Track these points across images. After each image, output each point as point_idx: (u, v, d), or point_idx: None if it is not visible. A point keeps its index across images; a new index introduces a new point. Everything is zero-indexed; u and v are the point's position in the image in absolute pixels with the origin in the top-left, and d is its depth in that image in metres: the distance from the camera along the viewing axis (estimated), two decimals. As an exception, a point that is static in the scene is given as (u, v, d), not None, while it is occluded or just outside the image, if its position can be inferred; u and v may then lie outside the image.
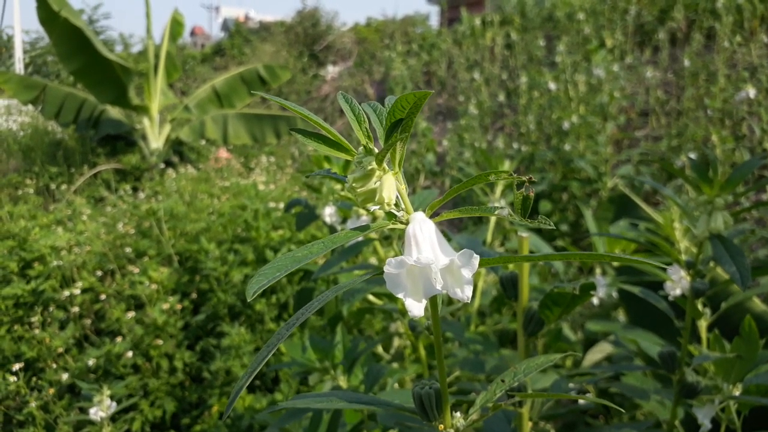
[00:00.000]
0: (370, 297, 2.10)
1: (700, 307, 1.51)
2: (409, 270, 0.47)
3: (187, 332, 3.66)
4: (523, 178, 0.48)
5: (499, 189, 2.55)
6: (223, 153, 8.40)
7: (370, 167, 0.47)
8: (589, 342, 2.25)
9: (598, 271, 1.88)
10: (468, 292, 0.47)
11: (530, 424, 0.82)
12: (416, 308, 0.47)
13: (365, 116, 0.50)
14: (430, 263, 0.46)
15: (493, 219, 2.61)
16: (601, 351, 2.10)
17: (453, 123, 8.24)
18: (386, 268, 0.46)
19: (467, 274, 0.46)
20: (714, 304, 1.59)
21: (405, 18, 13.91)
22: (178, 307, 3.53)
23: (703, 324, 1.47)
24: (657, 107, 5.72)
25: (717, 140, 3.60)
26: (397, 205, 0.49)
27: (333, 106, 11.41)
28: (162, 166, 7.54)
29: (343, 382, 1.16)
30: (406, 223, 0.50)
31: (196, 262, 3.95)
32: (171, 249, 3.97)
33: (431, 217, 0.55)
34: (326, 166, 1.91)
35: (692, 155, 3.54)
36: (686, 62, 5.42)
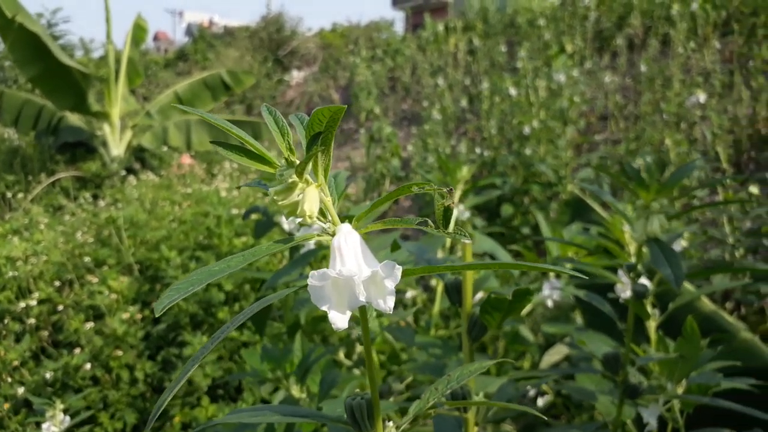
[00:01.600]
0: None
1: (649, 308, 1.54)
2: (333, 282, 0.47)
3: (148, 342, 3.61)
4: (443, 189, 0.49)
5: (457, 194, 2.58)
6: (186, 159, 8.31)
7: (291, 180, 0.47)
8: (549, 344, 2.29)
9: (552, 273, 1.91)
10: (390, 303, 0.47)
11: (476, 428, 0.83)
12: (340, 320, 0.47)
13: (288, 129, 0.50)
14: (353, 275, 0.46)
15: (452, 224, 2.64)
16: (558, 353, 2.13)
17: (417, 128, 8.29)
18: (309, 281, 0.46)
19: (390, 285, 0.47)
20: (664, 305, 1.63)
21: (370, 24, 13.95)
22: (138, 317, 3.48)
23: (652, 325, 1.51)
24: (616, 111, 5.84)
25: (671, 144, 3.69)
26: (325, 215, 0.50)
27: (298, 111, 11.37)
28: (123, 173, 7.42)
29: (296, 391, 1.16)
30: (333, 234, 0.50)
31: (157, 270, 3.90)
32: (131, 258, 3.91)
33: (377, 218, 0.55)
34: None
35: (648, 158, 3.62)
36: (643, 67, 5.55)
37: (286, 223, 1.82)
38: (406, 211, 7.88)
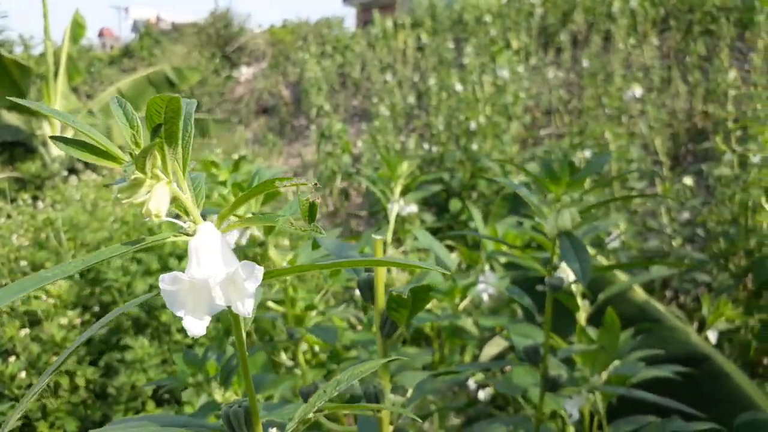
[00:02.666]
0: (270, 304, 2.07)
1: (579, 300, 1.56)
2: (190, 285, 0.45)
3: (90, 347, 3.50)
4: (307, 183, 0.47)
5: (397, 189, 2.57)
6: (131, 158, 8.10)
7: (134, 176, 0.44)
8: (493, 336, 2.30)
9: (486, 266, 1.92)
10: (249, 306, 0.45)
11: (391, 427, 0.82)
12: (196, 327, 0.45)
13: (138, 121, 0.47)
14: (207, 278, 0.43)
15: (392, 218, 2.62)
16: (498, 345, 2.14)
17: (368, 124, 8.28)
18: (161, 285, 0.43)
19: (250, 287, 0.44)
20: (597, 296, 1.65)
21: (321, 20, 13.85)
22: (78, 321, 3.37)
23: (582, 316, 1.52)
24: (560, 106, 5.94)
25: (611, 137, 3.77)
26: (187, 214, 0.47)
27: (247, 108, 11.23)
28: (65, 173, 7.18)
29: (219, 395, 1.13)
30: (193, 234, 0.48)
31: (98, 273, 3.78)
32: (70, 260, 3.78)
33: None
34: (213, 170, 1.86)
35: (588, 152, 3.69)
36: (585, 63, 5.66)
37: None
38: (357, 207, 7.86)
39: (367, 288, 0.82)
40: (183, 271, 0.46)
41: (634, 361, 1.21)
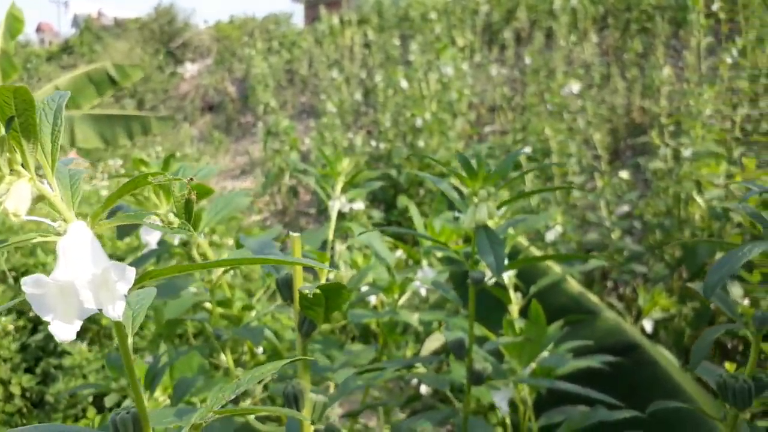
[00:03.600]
0: (207, 305, 2.03)
1: (511, 292, 1.58)
2: (59, 288, 0.42)
3: (25, 354, 3.39)
4: (183, 180, 0.45)
5: (338, 186, 2.55)
6: (72, 156, 7.84)
7: None
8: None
9: (425, 262, 1.92)
10: (119, 309, 0.43)
11: (312, 428, 0.81)
12: (64, 332, 0.42)
13: None
14: (73, 280, 0.41)
15: (334, 215, 2.61)
16: (438, 339, 2.15)
17: (316, 121, 8.22)
18: (24, 289, 0.41)
19: (122, 289, 0.43)
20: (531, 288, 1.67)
21: (268, 16, 13.68)
22: (10, 327, 3.25)
23: (514, 309, 1.54)
24: (504, 103, 6.01)
25: (551, 133, 3.84)
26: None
27: (193, 105, 11.02)
28: None
29: (146, 400, 1.09)
30: (64, 234, 0.45)
31: (31, 276, 3.65)
32: (3, 264, 3.65)
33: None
34: (143, 168, 1.81)
35: (528, 148, 3.75)
36: (527, 60, 5.75)
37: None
38: (307, 204, 7.81)
39: (286, 287, 0.81)
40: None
41: (561, 353, 1.23)
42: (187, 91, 11.63)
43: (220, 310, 2.04)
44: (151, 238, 1.14)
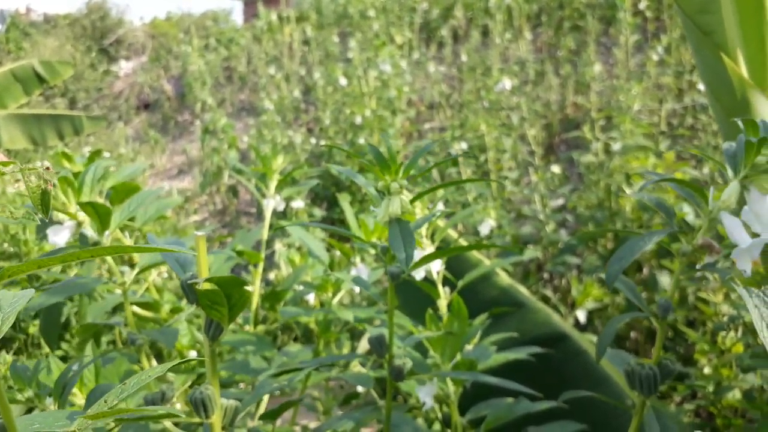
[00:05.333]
0: (136, 309, 1.96)
1: (440, 287, 1.58)
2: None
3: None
4: (35, 167, 0.42)
5: (272, 185, 2.51)
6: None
7: None
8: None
9: (358, 258, 1.91)
10: None
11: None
12: None
13: None
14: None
15: (268, 214, 2.57)
16: (374, 338, 2.15)
17: (255, 119, 8.11)
18: None
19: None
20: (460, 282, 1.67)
21: (206, 12, 13.40)
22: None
23: (443, 303, 1.54)
24: (442, 100, 6.06)
25: (485, 129, 3.89)
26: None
27: (128, 104, 10.70)
28: None
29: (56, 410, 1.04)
30: None
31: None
32: None
33: None
34: (66, 163, 1.74)
35: (464, 144, 3.79)
36: (464, 57, 5.81)
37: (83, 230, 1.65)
38: (249, 204, 7.69)
39: (191, 290, 0.77)
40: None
41: (485, 346, 1.24)
42: (122, 90, 11.29)
43: (148, 313, 1.98)
44: (58, 238, 1.09)
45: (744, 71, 1.07)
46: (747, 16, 1.03)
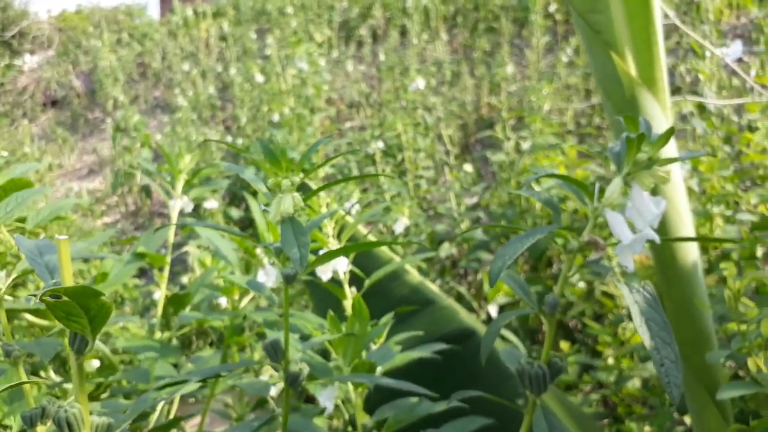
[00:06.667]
0: (29, 317, 1.84)
1: (346, 287, 1.56)
2: None
3: None
4: None
5: (179, 185, 2.42)
6: None
7: None
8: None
9: (266, 260, 1.86)
10: None
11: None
12: None
13: None
14: None
15: (175, 216, 2.47)
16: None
17: (171, 117, 7.85)
18: None
19: None
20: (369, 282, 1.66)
21: (119, 6, 12.86)
22: None
23: (349, 303, 1.52)
24: (362, 99, 6.06)
25: (401, 128, 3.90)
26: None
27: (33, 100, 10.14)
28: None
29: None
30: None
31: None
32: None
33: None
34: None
35: (380, 143, 3.79)
36: (382, 57, 5.83)
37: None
38: (164, 205, 7.42)
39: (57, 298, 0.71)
40: None
41: (389, 346, 1.22)
42: (26, 85, 10.67)
43: (42, 321, 1.86)
44: None
45: (632, 70, 1.10)
46: (634, 15, 1.06)
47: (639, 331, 0.66)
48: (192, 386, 1.32)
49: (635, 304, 0.68)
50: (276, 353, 0.94)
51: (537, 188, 3.10)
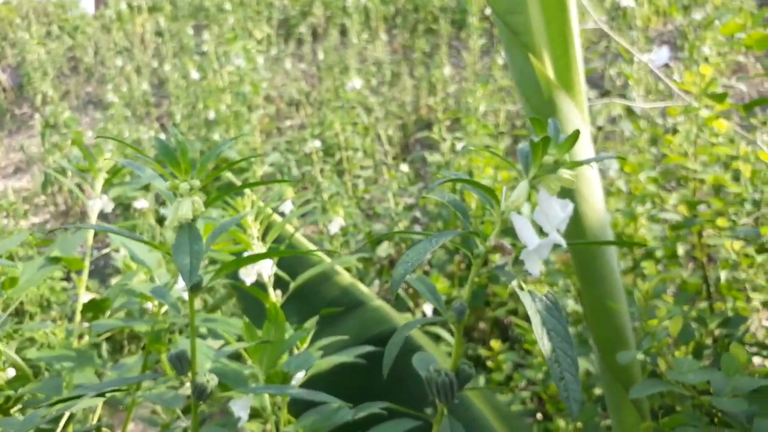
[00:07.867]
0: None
1: (271, 291, 1.52)
2: None
3: None
4: None
5: (98, 184, 2.32)
6: None
7: None
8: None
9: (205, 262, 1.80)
10: None
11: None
12: None
13: None
14: None
15: (94, 217, 2.38)
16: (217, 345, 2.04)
17: (103, 113, 7.58)
18: None
19: None
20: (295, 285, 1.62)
21: (50, -2, 12.33)
22: None
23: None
24: (302, 98, 5.99)
25: (339, 128, 3.87)
26: None
27: (-45, 95, 9.62)
28: None
29: None
30: None
31: None
32: None
33: None
34: None
35: (318, 142, 3.75)
36: (321, 56, 5.78)
37: None
38: (96, 205, 7.16)
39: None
40: None
41: (310, 352, 1.19)
42: (-53, 79, 10.13)
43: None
44: None
45: (550, 72, 1.10)
46: (552, 18, 1.06)
47: (539, 343, 0.65)
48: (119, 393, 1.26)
49: (537, 314, 0.66)
50: (181, 365, 0.90)
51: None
